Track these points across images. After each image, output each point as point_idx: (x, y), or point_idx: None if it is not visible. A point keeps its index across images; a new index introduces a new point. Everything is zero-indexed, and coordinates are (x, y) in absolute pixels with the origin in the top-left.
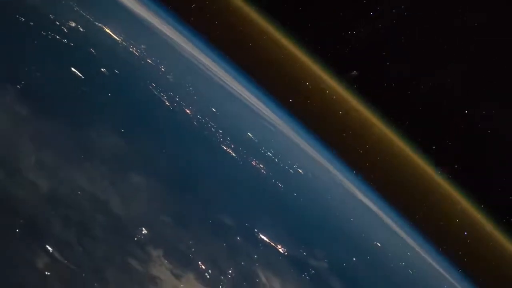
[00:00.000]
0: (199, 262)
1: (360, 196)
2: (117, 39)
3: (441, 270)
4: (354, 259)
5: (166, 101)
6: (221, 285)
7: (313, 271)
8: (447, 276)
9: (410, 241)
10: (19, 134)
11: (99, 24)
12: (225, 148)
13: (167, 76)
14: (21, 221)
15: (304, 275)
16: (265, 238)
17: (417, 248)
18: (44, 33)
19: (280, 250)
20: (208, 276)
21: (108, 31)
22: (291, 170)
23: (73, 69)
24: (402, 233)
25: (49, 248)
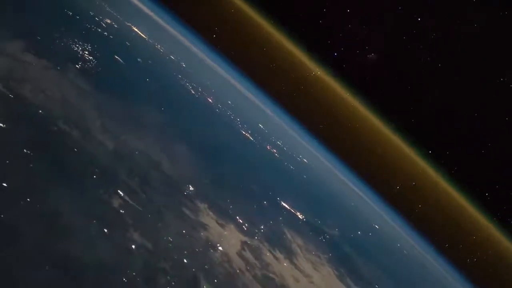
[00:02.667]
0: (237, 217)
1: (357, 189)
2: (144, 37)
3: (424, 252)
4: (359, 232)
5: (191, 90)
6: (256, 236)
7: (327, 236)
8: (430, 259)
9: (401, 230)
10: (85, 103)
11: (128, 23)
12: (244, 132)
13: (188, 70)
14: (96, 170)
15: (321, 238)
16: (286, 206)
17: (407, 237)
18: (89, 26)
19: (299, 216)
20: (245, 228)
21: (135, 29)
22: (298, 158)
23: (116, 56)
24: (394, 223)
25: (121, 193)
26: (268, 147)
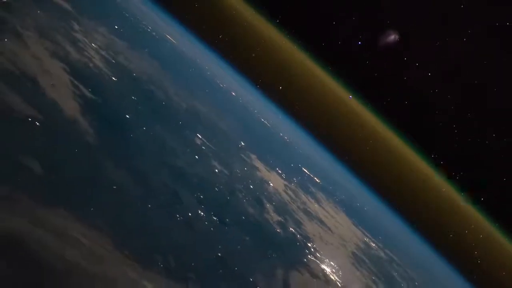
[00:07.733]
0: (277, 168)
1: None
2: (175, 42)
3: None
4: (358, 204)
5: (220, 84)
6: (292, 183)
7: (340, 198)
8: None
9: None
10: (158, 75)
11: (161, 32)
12: (262, 120)
13: (212, 70)
14: (180, 117)
15: (335, 197)
16: (306, 171)
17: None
18: (142, 25)
19: (317, 180)
20: (284, 176)
21: (168, 37)
22: (304, 146)
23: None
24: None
25: (199, 136)
26: (280, 134)
